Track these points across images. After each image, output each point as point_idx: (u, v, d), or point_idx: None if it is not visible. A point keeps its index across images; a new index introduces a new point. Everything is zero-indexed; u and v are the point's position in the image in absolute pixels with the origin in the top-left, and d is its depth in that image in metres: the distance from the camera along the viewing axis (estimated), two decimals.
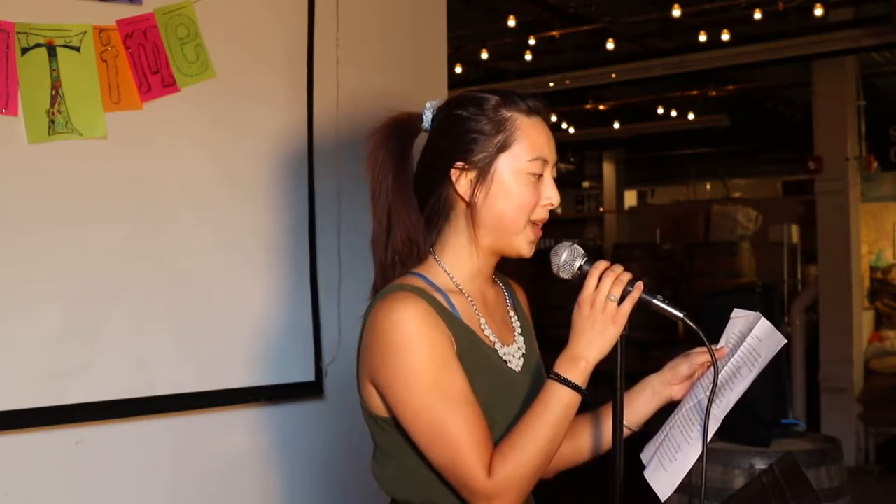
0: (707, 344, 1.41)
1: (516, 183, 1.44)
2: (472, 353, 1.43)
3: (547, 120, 1.50)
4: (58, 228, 2.16)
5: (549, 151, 1.47)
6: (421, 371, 1.35)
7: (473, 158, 1.44)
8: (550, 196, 1.47)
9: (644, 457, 1.52)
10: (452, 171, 1.45)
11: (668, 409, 1.57)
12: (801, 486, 1.80)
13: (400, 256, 1.48)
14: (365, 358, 1.43)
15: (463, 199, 1.46)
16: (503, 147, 1.44)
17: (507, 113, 1.45)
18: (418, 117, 1.52)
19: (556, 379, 1.38)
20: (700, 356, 1.53)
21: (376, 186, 1.48)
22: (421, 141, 1.53)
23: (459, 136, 1.45)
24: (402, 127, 1.50)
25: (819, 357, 7.15)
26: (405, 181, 1.48)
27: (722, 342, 1.50)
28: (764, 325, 1.44)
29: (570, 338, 1.41)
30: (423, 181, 1.49)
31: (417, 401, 1.35)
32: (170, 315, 2.33)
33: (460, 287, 1.49)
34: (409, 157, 1.50)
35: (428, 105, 1.52)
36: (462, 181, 1.45)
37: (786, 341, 1.41)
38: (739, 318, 1.50)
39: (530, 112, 1.47)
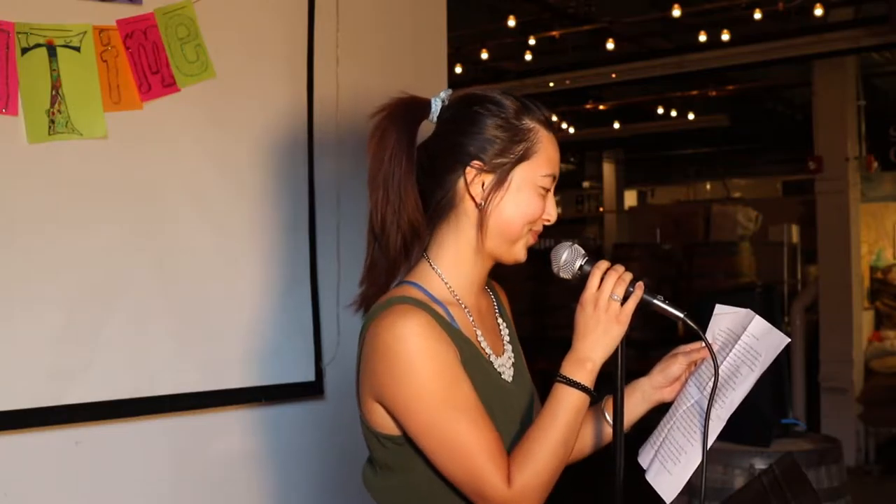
0: (709, 345, 1.41)
1: (527, 194, 1.43)
2: (473, 365, 1.41)
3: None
4: (58, 228, 2.16)
5: (558, 169, 1.47)
6: (430, 386, 1.32)
7: (492, 162, 1.42)
8: (550, 213, 1.46)
9: (642, 459, 1.51)
10: (468, 169, 1.42)
11: (661, 407, 1.57)
12: (801, 486, 1.80)
13: (406, 243, 1.43)
14: (367, 375, 1.39)
15: (473, 200, 1.44)
16: (524, 157, 1.42)
17: (529, 123, 1.44)
18: (426, 104, 1.47)
19: (565, 382, 1.37)
20: (691, 355, 1.52)
21: (386, 170, 1.40)
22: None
23: (478, 136, 1.43)
24: (410, 111, 1.45)
25: (819, 357, 7.14)
26: (412, 167, 1.42)
27: (707, 338, 1.49)
28: (760, 323, 1.42)
29: (574, 339, 1.39)
30: (429, 172, 1.45)
31: (429, 417, 1.33)
32: (170, 315, 2.33)
33: (457, 298, 1.46)
34: (415, 142, 1.45)
35: (442, 94, 1.48)
36: (476, 182, 1.43)
37: (788, 340, 1.39)
38: (725, 314, 1.49)
39: (548, 125, 1.46)
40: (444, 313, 1.42)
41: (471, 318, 1.47)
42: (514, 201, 1.42)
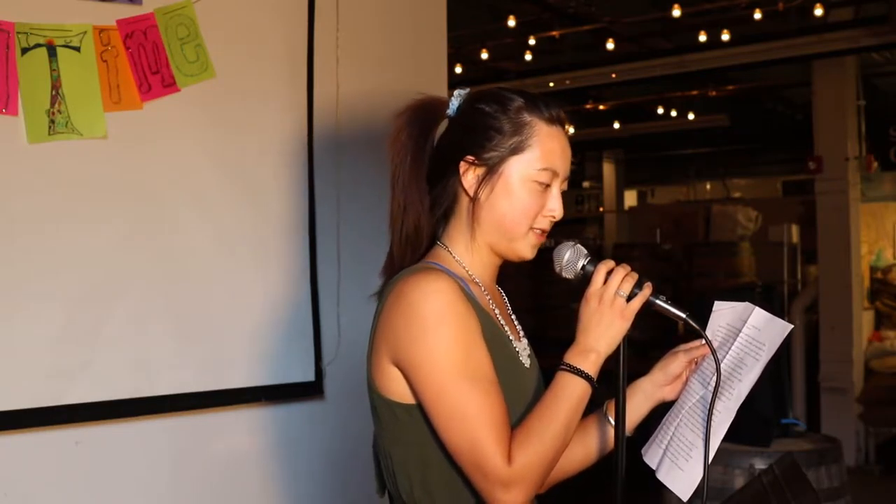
0: (709, 343, 1.41)
1: (521, 188, 1.43)
2: (494, 338, 1.41)
3: (566, 131, 1.48)
4: (58, 228, 2.16)
5: (562, 164, 1.46)
6: (449, 346, 1.32)
7: (485, 155, 1.43)
8: (554, 208, 1.45)
9: (649, 459, 1.50)
10: (462, 163, 1.44)
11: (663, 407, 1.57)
12: (801, 486, 1.80)
13: (410, 241, 1.46)
14: (386, 334, 1.38)
15: (467, 194, 1.45)
16: (516, 150, 1.42)
17: (527, 117, 1.44)
18: (444, 103, 1.49)
19: (569, 369, 1.37)
20: (691, 353, 1.53)
21: (395, 169, 1.46)
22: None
23: (476, 131, 1.44)
24: (426, 111, 1.49)
25: (819, 357, 7.15)
26: (421, 166, 1.46)
27: (707, 335, 1.48)
28: (760, 314, 1.43)
29: (578, 333, 1.40)
30: (435, 169, 1.48)
31: (441, 379, 1.32)
32: (170, 315, 2.33)
33: (474, 278, 1.48)
34: (429, 142, 1.48)
35: (456, 93, 1.50)
36: (469, 175, 1.44)
37: (792, 327, 1.40)
38: (725, 309, 1.49)
39: (551, 121, 1.45)
40: (464, 288, 1.42)
41: (488, 297, 1.49)
42: (506, 194, 1.43)
